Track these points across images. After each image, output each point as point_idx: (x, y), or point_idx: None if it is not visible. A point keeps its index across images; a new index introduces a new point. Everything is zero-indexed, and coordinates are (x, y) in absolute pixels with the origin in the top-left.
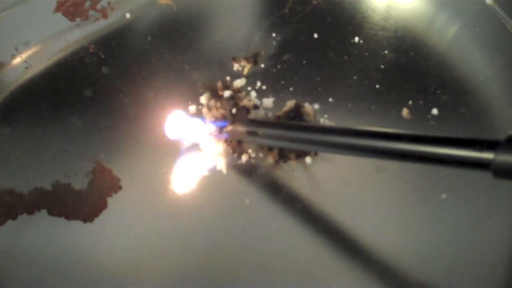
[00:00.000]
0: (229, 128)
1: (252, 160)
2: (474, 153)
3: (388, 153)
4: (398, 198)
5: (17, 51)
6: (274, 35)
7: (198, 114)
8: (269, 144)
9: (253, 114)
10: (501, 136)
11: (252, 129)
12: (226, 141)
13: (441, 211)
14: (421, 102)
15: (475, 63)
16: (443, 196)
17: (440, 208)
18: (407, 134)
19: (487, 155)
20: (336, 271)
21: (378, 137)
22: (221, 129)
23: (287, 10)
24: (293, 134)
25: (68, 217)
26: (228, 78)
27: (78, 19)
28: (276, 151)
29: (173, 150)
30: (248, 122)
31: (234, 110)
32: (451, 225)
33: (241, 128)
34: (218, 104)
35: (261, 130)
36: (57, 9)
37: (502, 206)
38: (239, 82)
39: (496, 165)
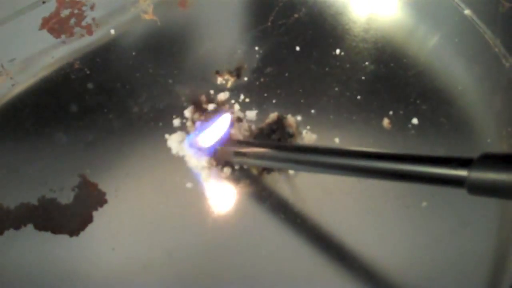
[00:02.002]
0: (218, 149)
1: (236, 172)
2: (449, 170)
3: (365, 172)
4: (379, 207)
5: (2, 68)
6: (256, 48)
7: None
8: (257, 164)
9: (236, 127)
10: (480, 144)
11: (240, 150)
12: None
13: (421, 219)
14: (401, 112)
15: (454, 73)
16: (424, 204)
17: (421, 215)
18: (382, 153)
19: (461, 173)
20: (320, 278)
21: (355, 156)
22: (210, 151)
23: (269, 24)
24: (281, 155)
25: (54, 231)
26: (212, 91)
27: (63, 36)
28: None
29: (157, 164)
30: (236, 143)
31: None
32: (431, 233)
33: (229, 150)
34: (202, 118)
35: (249, 151)
36: (42, 26)
37: (482, 214)
38: (222, 96)
39: (470, 182)
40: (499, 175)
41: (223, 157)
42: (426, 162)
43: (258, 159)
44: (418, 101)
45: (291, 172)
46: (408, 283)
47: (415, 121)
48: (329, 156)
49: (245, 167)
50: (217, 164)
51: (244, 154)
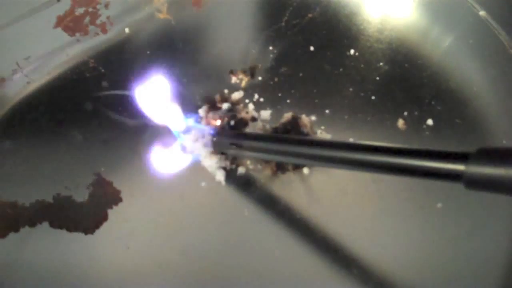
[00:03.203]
0: (214, 139)
1: (250, 172)
2: (446, 165)
3: (359, 165)
4: (394, 208)
5: (18, 66)
6: (270, 48)
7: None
8: (253, 157)
9: (251, 126)
10: (496, 145)
11: (237, 141)
12: (222, 153)
13: (436, 220)
14: (416, 113)
15: (469, 74)
16: (439, 205)
17: (436, 216)
18: (377, 146)
19: (459, 167)
20: (334, 281)
21: (350, 149)
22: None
23: (283, 24)
24: (278, 147)
25: (69, 229)
26: (226, 90)
27: (78, 34)
28: (274, 163)
29: (173, 162)
30: (233, 134)
31: (232, 122)
32: (446, 234)
33: (226, 140)
34: (217, 117)
35: (246, 143)
36: (57, 25)
37: (498, 215)
38: (237, 95)
39: (467, 176)
40: (496, 169)
41: (220, 148)
42: (423, 156)
43: (254, 151)
44: (433, 102)
45: (305, 172)
46: (423, 284)
47: (430, 122)
48: (322, 148)
49: (258, 166)
50: (231, 164)
51: (240, 146)
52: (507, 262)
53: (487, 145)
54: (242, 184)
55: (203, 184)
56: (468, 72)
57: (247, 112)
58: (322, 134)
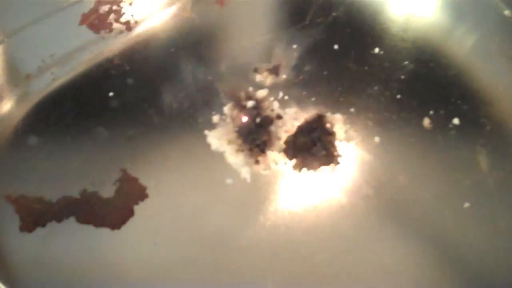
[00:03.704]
0: None
1: (276, 169)
2: None
3: None
4: (420, 207)
5: (43, 63)
6: (295, 46)
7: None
8: None
9: (276, 124)
10: None
11: None
12: (250, 150)
13: (463, 220)
14: (442, 112)
15: (495, 73)
16: (466, 205)
17: (463, 217)
18: None
19: None
20: (362, 281)
21: None
22: None
23: (307, 22)
24: None
25: (95, 224)
26: (250, 88)
27: (102, 32)
28: (299, 160)
29: (197, 160)
30: None
31: (258, 120)
32: (474, 234)
33: None
34: (242, 114)
35: None
36: (82, 22)
37: None
38: (261, 93)
39: None
40: None
41: None
42: None
43: None
44: (459, 101)
45: (332, 168)
46: (448, 283)
47: (456, 121)
48: None
49: (284, 164)
50: (257, 161)
51: None
52: None
53: None
54: (267, 181)
55: (228, 181)
56: (494, 71)
57: (272, 110)
58: (347, 132)
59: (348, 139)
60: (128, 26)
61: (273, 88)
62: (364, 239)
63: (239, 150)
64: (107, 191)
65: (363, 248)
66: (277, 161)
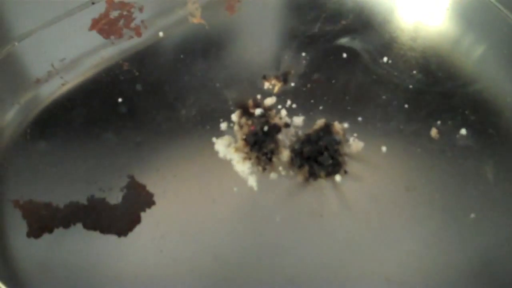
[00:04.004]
0: None
1: (283, 178)
2: None
3: None
4: (427, 217)
5: (53, 68)
6: (303, 54)
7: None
8: None
9: (284, 132)
10: None
11: None
12: (257, 158)
13: (470, 231)
14: (449, 122)
15: (503, 84)
16: (472, 215)
17: (469, 227)
18: None
19: None
20: (364, 284)
21: None
22: None
23: (316, 30)
24: None
25: (102, 231)
26: (258, 96)
27: (112, 37)
28: (306, 169)
29: (205, 167)
30: None
31: (265, 128)
32: (480, 245)
33: None
34: (250, 122)
35: None
36: (92, 27)
37: None
38: (269, 101)
39: None
40: None
41: None
42: None
43: None
44: (466, 112)
45: (337, 179)
46: None
47: (463, 131)
48: None
49: (291, 173)
50: (264, 170)
51: None
52: None
53: None
54: (274, 190)
55: (235, 189)
56: (502, 81)
57: (280, 118)
58: (354, 141)
59: (355, 148)
60: (138, 32)
61: (281, 96)
62: (369, 247)
63: (246, 158)
64: (115, 197)
65: (370, 256)
66: (284, 169)
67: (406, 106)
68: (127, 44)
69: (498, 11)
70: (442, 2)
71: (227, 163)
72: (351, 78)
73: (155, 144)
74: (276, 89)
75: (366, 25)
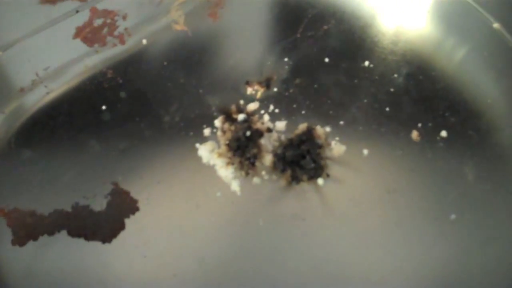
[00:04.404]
0: None
1: (266, 182)
2: None
3: None
4: (407, 218)
5: (37, 76)
6: (286, 59)
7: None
8: None
9: (266, 137)
10: (509, 157)
11: None
12: (240, 163)
13: (450, 232)
14: (430, 124)
15: (483, 86)
16: (453, 216)
17: (449, 228)
18: None
19: None
20: None
21: None
22: None
23: (298, 35)
24: None
25: (87, 238)
26: (241, 101)
27: (96, 45)
28: (288, 173)
29: (188, 173)
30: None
31: (248, 133)
32: (460, 246)
33: None
34: (232, 127)
35: None
36: (76, 36)
37: (510, 227)
38: (252, 106)
39: None
40: None
41: None
42: None
43: None
44: (446, 114)
45: (320, 182)
46: None
47: (444, 133)
48: None
49: (273, 177)
50: (247, 174)
51: None
52: None
53: (500, 157)
54: (257, 194)
55: (218, 194)
56: (482, 84)
57: (262, 123)
58: (336, 145)
59: (337, 152)
60: (122, 40)
61: (264, 101)
62: (351, 250)
63: (229, 163)
64: (99, 204)
65: (351, 258)
66: (267, 174)
67: (387, 109)
68: (111, 52)
69: (478, 13)
70: (422, 6)
71: (211, 169)
72: (333, 83)
73: (138, 151)
74: (259, 94)
75: (348, 30)
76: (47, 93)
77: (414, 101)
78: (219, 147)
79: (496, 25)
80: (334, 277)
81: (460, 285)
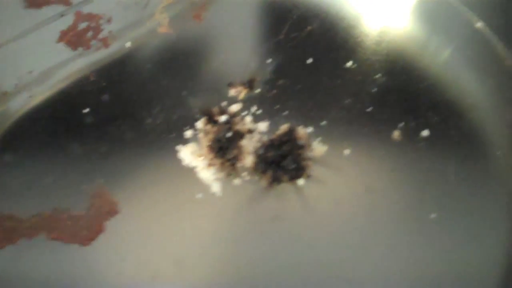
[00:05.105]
0: None
1: (246, 183)
2: None
3: None
4: (388, 218)
5: (20, 81)
6: (269, 60)
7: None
8: None
9: (247, 139)
10: (491, 157)
11: None
12: (221, 164)
13: (430, 231)
14: (412, 124)
15: (466, 85)
16: (433, 215)
17: (430, 227)
18: None
19: None
20: None
21: None
22: None
23: (282, 36)
24: None
25: (66, 241)
26: (224, 103)
27: (80, 49)
28: (269, 174)
29: (169, 175)
30: None
31: (229, 134)
32: (440, 245)
33: None
34: (214, 129)
35: None
36: (60, 39)
37: (492, 226)
38: (235, 107)
39: None
40: None
41: None
42: None
43: None
44: (429, 113)
45: (300, 183)
46: None
47: (425, 133)
48: None
49: (254, 178)
50: (228, 175)
51: None
52: (500, 272)
53: (482, 156)
54: (238, 195)
55: (199, 195)
56: (465, 83)
57: (243, 124)
58: (318, 145)
59: (318, 152)
60: (106, 43)
61: (246, 102)
62: (332, 250)
63: (210, 165)
64: (79, 207)
65: (332, 259)
66: (248, 175)
67: (369, 109)
68: (95, 55)
69: (461, 13)
70: (405, 6)
71: (191, 171)
72: (315, 83)
73: (119, 153)
74: (241, 95)
75: (331, 30)
76: (30, 97)
77: (397, 101)
78: (200, 149)
79: (479, 24)
80: (314, 277)
81: (440, 285)
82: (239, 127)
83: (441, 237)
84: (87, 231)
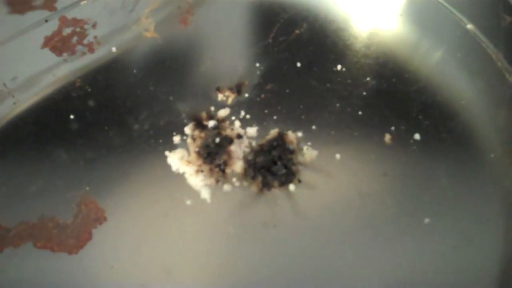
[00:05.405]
0: None
1: (236, 189)
2: None
3: None
4: (381, 223)
5: (5, 87)
6: (257, 65)
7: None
8: None
9: (237, 144)
10: (483, 159)
11: None
12: (210, 170)
13: (424, 235)
14: (403, 127)
15: (457, 87)
16: (426, 220)
17: (423, 232)
18: None
19: None
20: None
21: None
22: None
23: (270, 40)
24: None
25: (53, 249)
26: (212, 108)
27: (65, 54)
28: (259, 180)
29: (157, 181)
30: None
31: (217, 140)
32: (434, 249)
33: None
34: (203, 134)
35: None
36: (44, 45)
37: (485, 230)
38: (223, 112)
39: None
40: None
41: None
42: None
43: None
44: (420, 116)
45: (291, 188)
46: None
47: (417, 136)
48: None
49: (244, 184)
50: (217, 181)
51: None
52: (494, 277)
53: (474, 159)
54: (228, 201)
55: (188, 202)
56: (456, 85)
57: (232, 129)
58: (308, 150)
59: (309, 157)
60: (91, 48)
61: (235, 107)
62: (324, 257)
63: (199, 171)
64: (66, 215)
65: (323, 264)
66: (237, 180)
67: (360, 113)
68: (80, 60)
69: (451, 15)
70: (395, 9)
71: (180, 177)
72: (305, 87)
73: (107, 160)
74: (230, 100)
75: (320, 33)
76: (15, 103)
77: (387, 104)
78: (189, 154)
79: (469, 26)
80: (305, 283)
81: None
82: (227, 132)
83: (435, 241)
84: (74, 239)
